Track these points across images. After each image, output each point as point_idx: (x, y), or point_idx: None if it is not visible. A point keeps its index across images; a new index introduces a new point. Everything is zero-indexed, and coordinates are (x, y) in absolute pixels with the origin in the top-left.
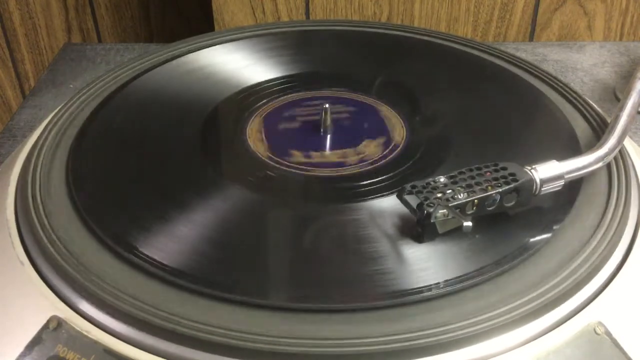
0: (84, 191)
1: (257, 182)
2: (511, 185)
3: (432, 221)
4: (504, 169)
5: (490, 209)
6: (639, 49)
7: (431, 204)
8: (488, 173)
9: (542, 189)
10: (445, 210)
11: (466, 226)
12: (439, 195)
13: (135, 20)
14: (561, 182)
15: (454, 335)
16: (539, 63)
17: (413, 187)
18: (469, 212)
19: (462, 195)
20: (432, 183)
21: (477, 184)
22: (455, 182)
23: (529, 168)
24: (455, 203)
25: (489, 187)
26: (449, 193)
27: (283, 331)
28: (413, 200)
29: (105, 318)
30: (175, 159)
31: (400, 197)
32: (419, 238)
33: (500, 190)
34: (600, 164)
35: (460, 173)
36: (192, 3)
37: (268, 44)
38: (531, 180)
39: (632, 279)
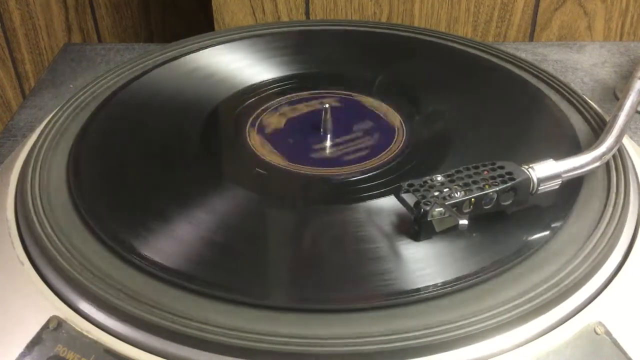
0: (84, 191)
1: (257, 182)
2: (508, 184)
3: (428, 219)
4: (501, 167)
5: (488, 207)
6: (639, 49)
7: (428, 203)
8: (485, 172)
9: (540, 188)
10: (441, 209)
11: (462, 224)
12: (436, 193)
13: (135, 20)
14: (558, 181)
15: (454, 335)
16: (539, 63)
17: (410, 185)
18: (466, 211)
19: (459, 193)
20: (429, 182)
21: (474, 182)
22: (452, 181)
23: (526, 167)
24: (452, 201)
25: (486, 186)
26: (446, 192)
27: (283, 331)
28: (410, 199)
29: (105, 318)
30: (175, 159)
31: (397, 195)
32: (416, 236)
33: (497, 189)
34: (597, 163)
35: (458, 172)
36: (192, 3)
37: (268, 44)
38: (528, 179)
39: (632, 279)
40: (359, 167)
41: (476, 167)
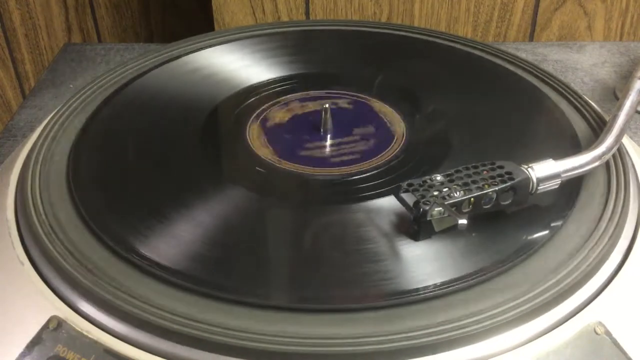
0: (84, 191)
1: (257, 182)
2: (507, 184)
3: (428, 219)
4: (501, 167)
5: (487, 207)
6: (639, 49)
7: (427, 202)
8: (485, 171)
9: (539, 187)
10: (441, 209)
11: (461, 224)
12: (436, 193)
13: (135, 20)
14: (558, 181)
15: (454, 335)
16: (539, 63)
17: (409, 185)
18: (465, 211)
19: (458, 193)
20: (428, 181)
21: (474, 182)
22: (451, 181)
23: (526, 167)
24: (452, 201)
25: (486, 186)
26: (446, 191)
27: (283, 331)
28: (409, 199)
29: (105, 318)
30: (175, 159)
31: (396, 195)
32: (415, 236)
33: (497, 188)
34: (597, 163)
35: (457, 171)
36: (192, 3)
37: (268, 44)
38: (528, 179)
39: (632, 279)
40: (359, 167)
41: (475, 167)
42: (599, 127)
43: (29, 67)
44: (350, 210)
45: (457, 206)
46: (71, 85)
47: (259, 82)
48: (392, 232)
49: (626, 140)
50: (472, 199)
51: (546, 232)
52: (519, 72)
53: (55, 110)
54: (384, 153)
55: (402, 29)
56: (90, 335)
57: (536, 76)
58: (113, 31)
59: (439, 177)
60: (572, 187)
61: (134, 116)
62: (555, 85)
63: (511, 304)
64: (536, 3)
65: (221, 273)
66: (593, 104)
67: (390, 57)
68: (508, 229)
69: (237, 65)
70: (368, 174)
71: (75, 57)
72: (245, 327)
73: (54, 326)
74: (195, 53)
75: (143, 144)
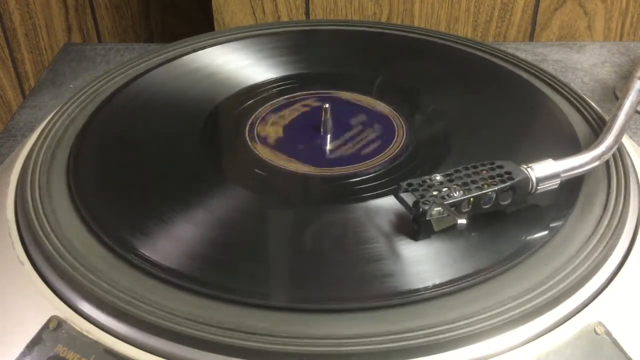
0: (84, 191)
1: (257, 182)
2: (507, 184)
3: (427, 219)
4: (500, 167)
5: (486, 207)
6: (639, 49)
7: (427, 202)
8: (484, 171)
9: (539, 187)
10: (440, 208)
11: (460, 224)
12: (435, 193)
13: (135, 20)
14: (557, 181)
15: (454, 335)
16: (539, 63)
17: (409, 184)
18: (465, 210)
19: (457, 193)
20: (428, 181)
21: (473, 182)
22: (451, 180)
23: (525, 167)
24: (451, 201)
25: (485, 186)
26: (445, 191)
27: (283, 331)
28: (409, 198)
29: (105, 318)
30: (175, 159)
31: (396, 194)
32: (414, 236)
33: (496, 188)
34: (597, 163)
35: (457, 171)
36: (192, 3)
37: (268, 44)
38: (527, 179)
39: (632, 279)
40: (358, 167)
41: (475, 167)
42: (598, 127)
43: (29, 67)
44: (350, 210)
45: (457, 206)
46: (71, 85)
47: (259, 82)
48: (391, 232)
49: (626, 140)
50: (471, 198)
51: (546, 232)
52: (519, 72)
53: (55, 110)
54: (383, 153)
55: (402, 29)
56: (90, 335)
57: (536, 76)
58: (113, 31)
59: (438, 177)
60: (572, 187)
61: (134, 116)
62: (555, 85)
63: (511, 304)
64: (536, 3)
65: (221, 273)
66: (593, 104)
67: (390, 57)
68: (508, 229)
69: (237, 65)
70: (368, 174)
71: (75, 57)
72: (245, 327)
73: (54, 326)
74: (195, 53)
75: (143, 143)
